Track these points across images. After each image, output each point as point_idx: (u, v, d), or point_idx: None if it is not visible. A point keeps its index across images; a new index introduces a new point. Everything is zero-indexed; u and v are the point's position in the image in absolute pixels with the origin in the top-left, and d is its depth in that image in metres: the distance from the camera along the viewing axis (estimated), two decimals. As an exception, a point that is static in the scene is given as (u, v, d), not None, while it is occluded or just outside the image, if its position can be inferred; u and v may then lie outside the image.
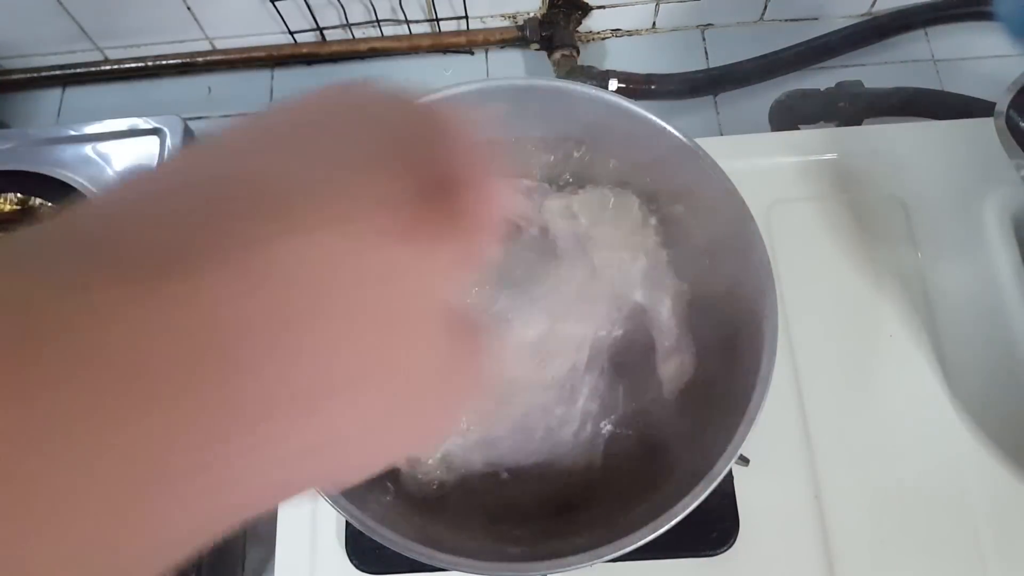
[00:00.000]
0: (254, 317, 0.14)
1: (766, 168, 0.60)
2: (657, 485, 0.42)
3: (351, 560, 0.49)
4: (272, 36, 0.79)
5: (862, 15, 0.79)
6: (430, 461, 0.44)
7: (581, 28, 0.80)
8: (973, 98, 0.67)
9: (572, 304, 0.45)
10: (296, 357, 0.14)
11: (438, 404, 0.18)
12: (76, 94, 0.82)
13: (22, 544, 0.11)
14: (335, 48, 0.79)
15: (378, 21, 0.76)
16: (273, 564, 0.51)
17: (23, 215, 0.63)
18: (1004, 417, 0.52)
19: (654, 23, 0.80)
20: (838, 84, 0.71)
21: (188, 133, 0.65)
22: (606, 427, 0.47)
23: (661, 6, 0.78)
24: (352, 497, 0.39)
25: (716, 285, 0.47)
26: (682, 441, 0.45)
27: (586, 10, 0.78)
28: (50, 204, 0.63)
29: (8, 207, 0.63)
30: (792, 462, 0.51)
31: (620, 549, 0.37)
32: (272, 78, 0.81)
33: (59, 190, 0.63)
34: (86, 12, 0.74)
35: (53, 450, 0.12)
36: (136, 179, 0.15)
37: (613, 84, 0.73)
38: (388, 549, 0.38)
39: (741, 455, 0.40)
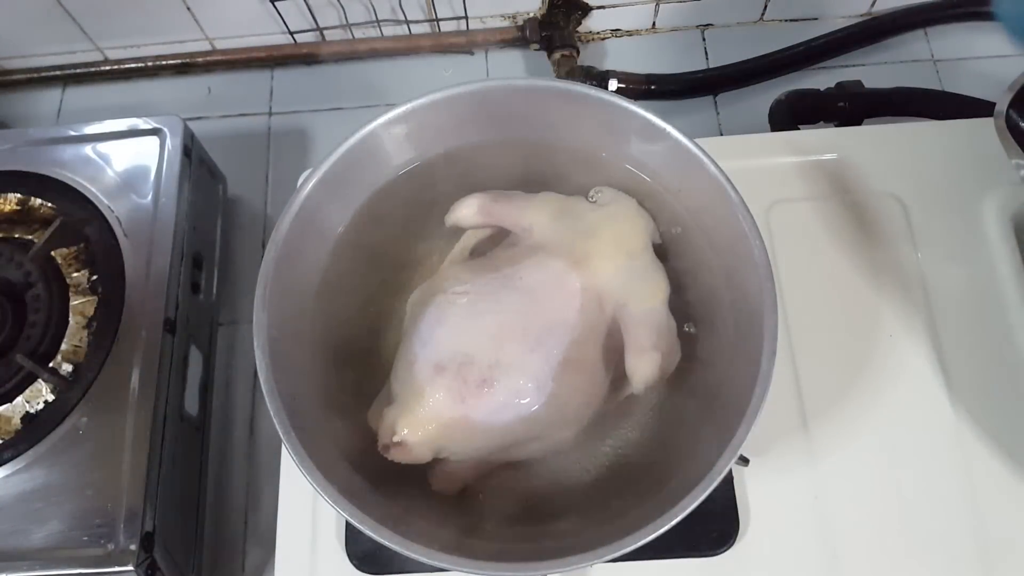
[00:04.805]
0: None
1: (766, 168, 0.60)
2: (657, 485, 0.43)
3: (351, 560, 0.49)
4: (272, 36, 0.79)
5: (862, 15, 0.79)
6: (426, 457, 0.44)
7: (581, 28, 0.80)
8: (973, 98, 0.68)
9: (554, 295, 0.45)
10: None
11: None
12: (76, 94, 0.82)
13: None
14: (335, 48, 0.79)
15: (378, 21, 0.76)
16: (273, 564, 0.51)
17: (23, 215, 0.63)
18: (1004, 417, 0.52)
19: (654, 23, 0.80)
20: (838, 84, 0.71)
21: (188, 133, 0.65)
22: (603, 423, 0.47)
23: (661, 6, 0.78)
24: (352, 497, 0.39)
25: (715, 285, 0.47)
26: (682, 441, 0.45)
27: (586, 10, 0.78)
28: (50, 204, 0.63)
29: (8, 207, 0.63)
30: (792, 462, 0.51)
31: (620, 549, 0.37)
32: (272, 78, 0.81)
33: (59, 190, 0.63)
34: (86, 12, 0.74)
35: None
36: None
37: (613, 84, 0.73)
38: (388, 549, 0.38)
39: (741, 455, 0.40)
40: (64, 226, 0.61)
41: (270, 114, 0.80)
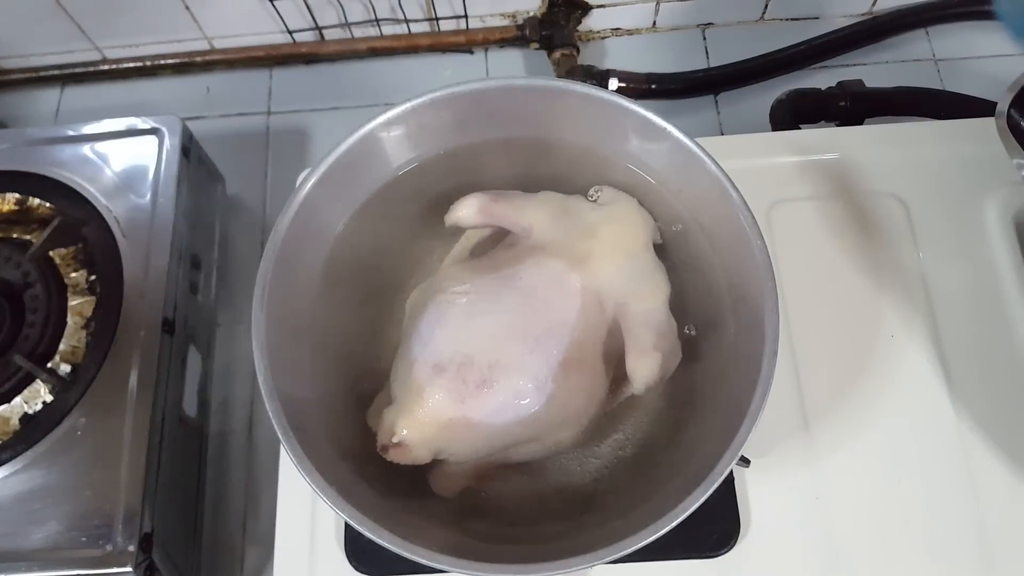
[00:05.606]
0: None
1: (766, 168, 0.60)
2: (658, 486, 0.42)
3: (350, 561, 0.49)
4: (271, 35, 0.79)
5: (863, 14, 0.79)
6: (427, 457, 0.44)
7: (581, 27, 0.80)
8: (974, 97, 0.67)
9: (554, 296, 0.44)
10: None
11: None
12: (74, 94, 0.82)
13: None
14: (334, 47, 0.79)
15: (377, 20, 0.76)
16: (272, 565, 0.51)
17: (21, 215, 0.63)
18: (1004, 417, 0.52)
19: (654, 22, 0.80)
20: (839, 83, 0.71)
21: (187, 133, 0.65)
22: (604, 424, 0.47)
23: (661, 5, 0.78)
24: (351, 498, 0.39)
25: (716, 285, 0.47)
26: (683, 442, 0.45)
27: (586, 9, 0.78)
28: (48, 204, 0.62)
29: (6, 207, 0.63)
30: (793, 463, 0.51)
31: (621, 551, 0.37)
32: (271, 77, 0.81)
33: (57, 190, 0.63)
34: (85, 11, 0.74)
35: None
36: None
37: (613, 83, 0.73)
38: (387, 550, 0.38)
39: (742, 456, 0.40)
40: (62, 226, 0.61)
41: (269, 113, 0.80)
